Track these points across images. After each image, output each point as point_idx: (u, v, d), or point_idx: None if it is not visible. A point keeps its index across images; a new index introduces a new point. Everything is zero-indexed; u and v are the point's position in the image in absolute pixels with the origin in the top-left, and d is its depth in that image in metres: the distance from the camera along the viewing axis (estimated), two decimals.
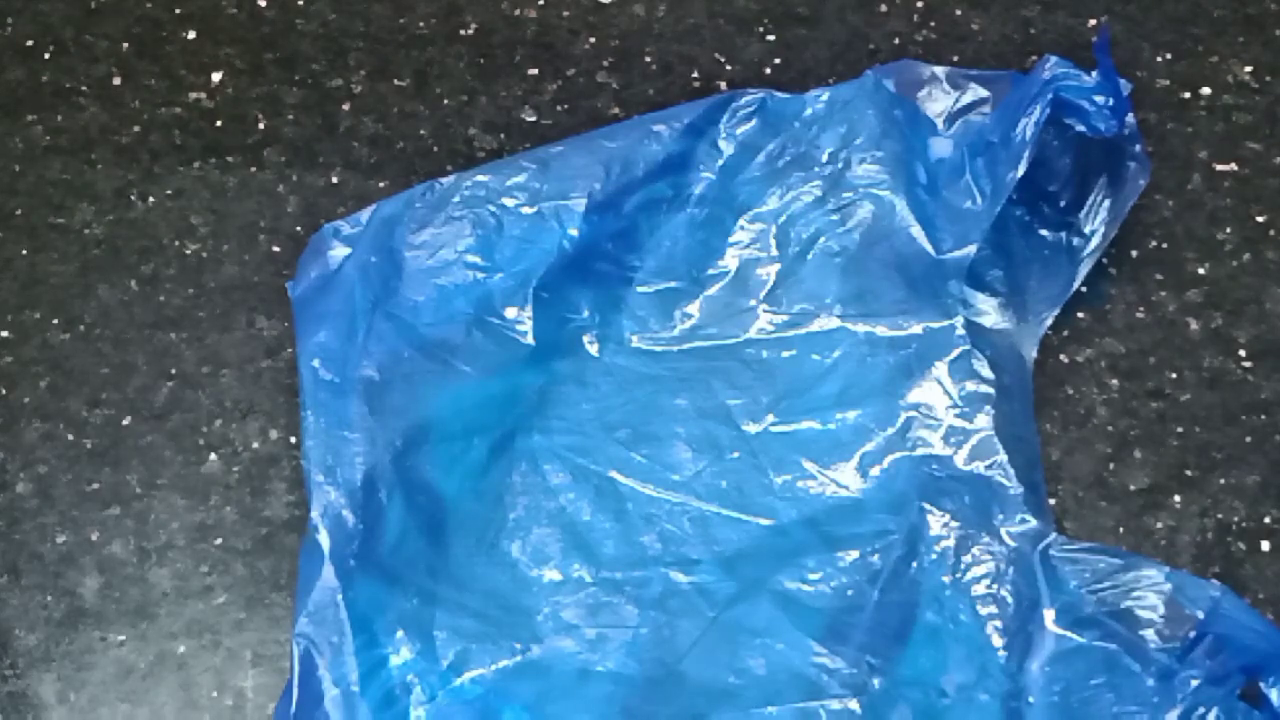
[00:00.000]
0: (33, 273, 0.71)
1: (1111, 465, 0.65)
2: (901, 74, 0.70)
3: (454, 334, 0.65)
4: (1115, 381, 0.67)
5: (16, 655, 0.61)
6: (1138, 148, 0.67)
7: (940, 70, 0.70)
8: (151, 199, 0.73)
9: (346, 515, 0.60)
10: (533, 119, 0.75)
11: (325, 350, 0.64)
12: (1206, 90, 0.75)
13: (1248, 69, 0.76)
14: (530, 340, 0.65)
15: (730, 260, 0.68)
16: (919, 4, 0.78)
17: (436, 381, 0.64)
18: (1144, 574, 0.58)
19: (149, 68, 0.77)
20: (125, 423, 0.67)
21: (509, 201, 0.67)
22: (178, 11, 0.79)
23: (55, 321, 0.70)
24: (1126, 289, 0.70)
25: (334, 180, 0.74)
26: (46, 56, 0.78)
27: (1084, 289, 0.68)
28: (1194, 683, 0.56)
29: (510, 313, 0.65)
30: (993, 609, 0.59)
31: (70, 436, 0.67)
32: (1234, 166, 0.73)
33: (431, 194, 0.68)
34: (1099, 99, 0.64)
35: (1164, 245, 0.71)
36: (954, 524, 0.61)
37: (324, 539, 0.59)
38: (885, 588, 0.60)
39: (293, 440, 0.66)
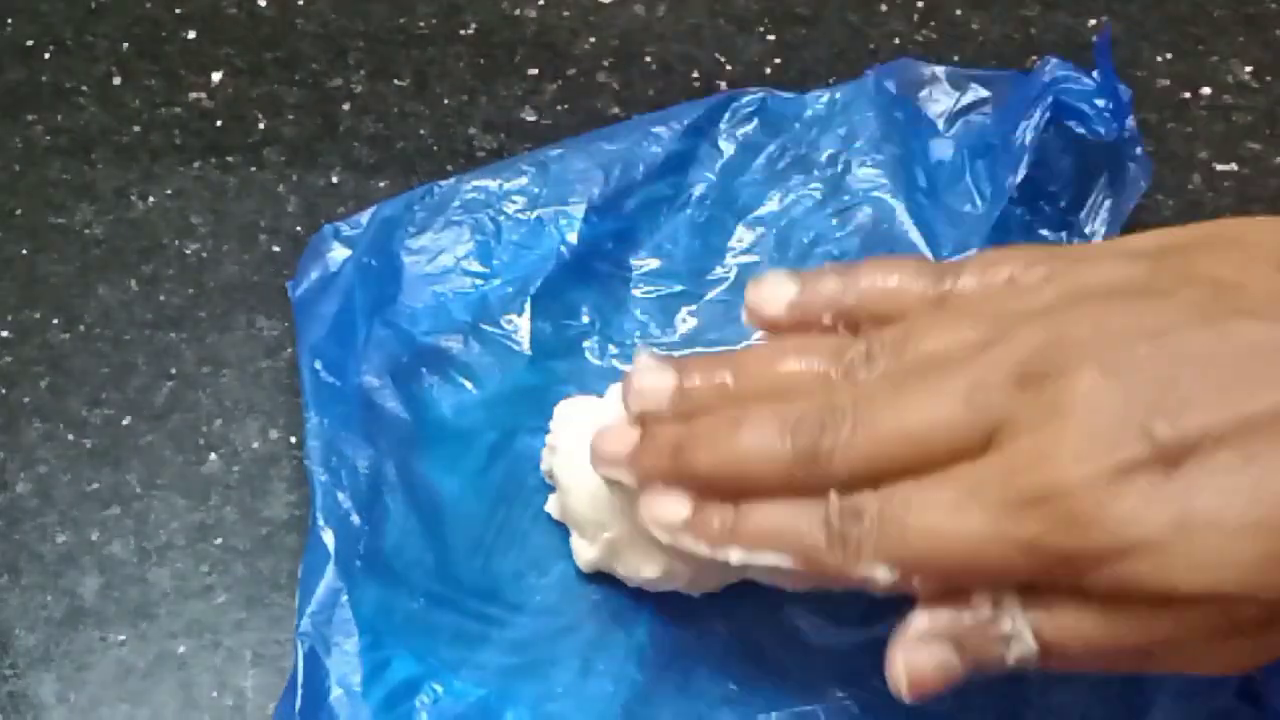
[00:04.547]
0: (32, 273, 0.71)
1: None
2: (902, 74, 0.70)
3: (451, 342, 0.65)
4: None
5: (16, 655, 0.61)
6: (1138, 150, 0.67)
7: (941, 70, 0.70)
8: (151, 199, 0.73)
9: (350, 515, 0.60)
10: (533, 119, 0.75)
11: (326, 351, 0.64)
12: (1207, 90, 0.75)
13: (1248, 69, 0.76)
14: (527, 350, 0.65)
15: (731, 264, 0.68)
16: (919, 4, 0.78)
17: (435, 388, 0.64)
18: None
19: (149, 68, 0.77)
20: (125, 423, 0.67)
21: (508, 207, 0.67)
22: (178, 11, 0.79)
23: (55, 321, 0.70)
24: None
25: (334, 180, 0.73)
26: (46, 56, 0.78)
27: None
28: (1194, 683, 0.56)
29: (508, 320, 0.65)
30: None
31: (70, 436, 0.67)
32: (1234, 166, 0.73)
33: (431, 197, 0.68)
34: (1099, 102, 0.64)
35: None
36: None
37: (328, 538, 0.59)
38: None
39: (293, 440, 0.66)
